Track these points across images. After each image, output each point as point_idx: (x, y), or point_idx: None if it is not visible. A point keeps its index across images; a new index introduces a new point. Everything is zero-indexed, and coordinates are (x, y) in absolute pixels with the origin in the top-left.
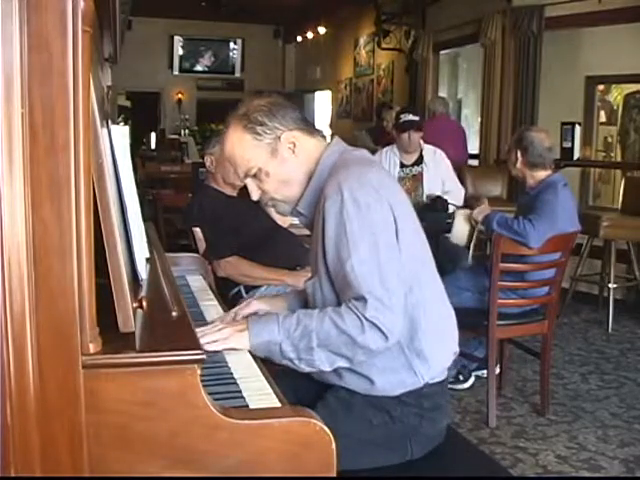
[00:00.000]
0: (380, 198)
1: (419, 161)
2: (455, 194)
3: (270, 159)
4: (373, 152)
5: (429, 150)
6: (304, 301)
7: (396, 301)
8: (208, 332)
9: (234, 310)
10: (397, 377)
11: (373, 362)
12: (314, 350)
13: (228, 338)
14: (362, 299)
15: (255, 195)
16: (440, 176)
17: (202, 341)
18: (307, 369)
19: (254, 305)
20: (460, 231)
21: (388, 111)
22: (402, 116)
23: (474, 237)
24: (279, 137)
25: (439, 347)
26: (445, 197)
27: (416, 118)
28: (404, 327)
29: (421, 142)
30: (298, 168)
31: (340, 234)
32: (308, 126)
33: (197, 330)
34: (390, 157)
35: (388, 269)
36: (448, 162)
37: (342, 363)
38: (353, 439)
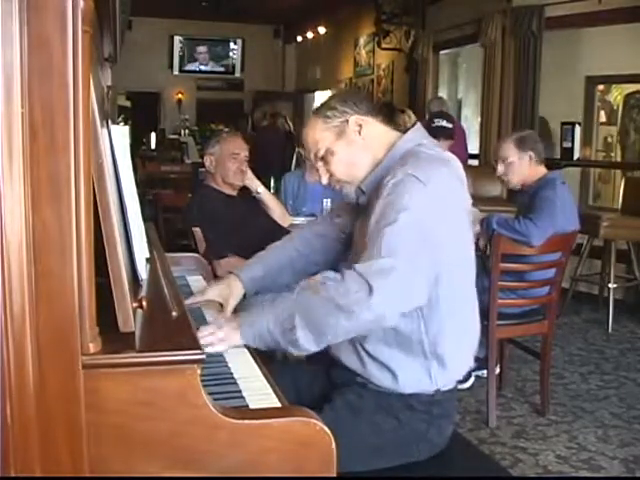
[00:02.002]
0: (443, 196)
1: None
2: None
3: (337, 140)
4: None
5: (453, 160)
6: (259, 275)
7: (410, 281)
8: (203, 336)
9: (191, 299)
10: (413, 375)
11: (394, 353)
12: (297, 328)
13: (223, 340)
14: (370, 259)
15: (324, 179)
16: None
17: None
18: (293, 350)
19: (210, 294)
20: None
21: (400, 115)
22: (435, 121)
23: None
24: (347, 120)
25: (459, 359)
26: None
27: (449, 125)
28: (431, 331)
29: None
30: (364, 151)
31: (389, 202)
32: (381, 115)
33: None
34: None
35: (419, 248)
36: (464, 173)
37: (328, 337)
38: (360, 443)
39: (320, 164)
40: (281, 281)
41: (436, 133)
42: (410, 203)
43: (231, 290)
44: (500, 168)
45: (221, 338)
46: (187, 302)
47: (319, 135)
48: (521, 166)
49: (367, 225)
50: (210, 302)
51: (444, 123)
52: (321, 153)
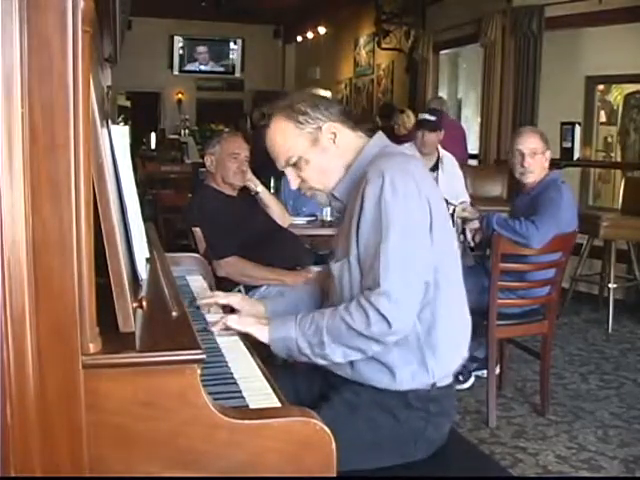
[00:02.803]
0: (419, 190)
1: (435, 167)
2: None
3: (311, 147)
4: None
5: (446, 157)
6: (285, 305)
7: (410, 295)
8: (232, 318)
9: (213, 297)
10: (410, 368)
11: (390, 348)
12: (326, 344)
13: (250, 325)
14: (377, 286)
15: (294, 184)
16: (453, 185)
17: (225, 322)
18: (323, 362)
19: (233, 298)
20: None
21: (400, 115)
22: (419, 115)
23: (465, 244)
24: (320, 127)
25: (452, 347)
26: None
27: (432, 118)
28: (424, 319)
29: (439, 148)
30: (337, 158)
31: (377, 218)
32: (349, 121)
33: (219, 314)
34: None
35: (412, 261)
36: (460, 171)
37: (356, 356)
38: (358, 440)
39: (290, 169)
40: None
41: (419, 126)
42: (394, 217)
43: (252, 306)
44: (529, 161)
45: (248, 324)
46: (204, 302)
47: (292, 141)
48: (544, 162)
49: (345, 225)
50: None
51: (426, 116)
52: (294, 160)
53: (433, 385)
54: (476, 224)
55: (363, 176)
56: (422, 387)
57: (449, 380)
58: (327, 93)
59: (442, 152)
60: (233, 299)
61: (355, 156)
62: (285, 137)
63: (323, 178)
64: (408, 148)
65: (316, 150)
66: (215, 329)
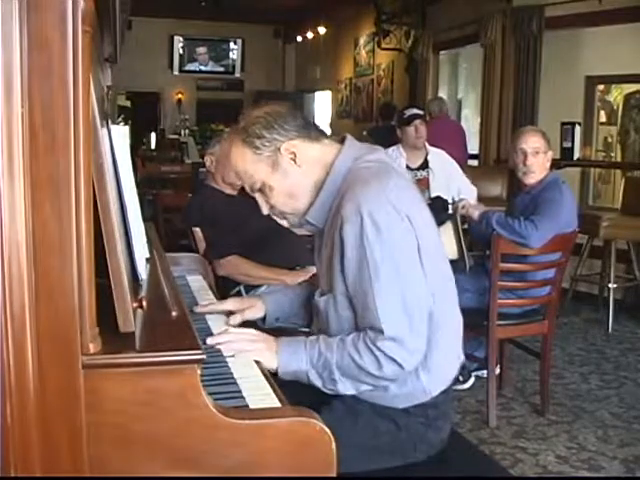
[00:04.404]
0: (399, 215)
1: (424, 165)
2: (467, 196)
3: (272, 173)
4: None
5: (434, 153)
6: (284, 304)
7: (417, 333)
8: (242, 339)
9: (210, 306)
10: (406, 390)
11: None
12: (337, 381)
13: (260, 353)
14: (380, 332)
15: (265, 209)
16: (446, 180)
17: (234, 346)
18: (332, 393)
19: (229, 304)
20: (448, 246)
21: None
22: (406, 111)
23: (463, 244)
24: (279, 148)
25: (449, 361)
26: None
27: (420, 112)
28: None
29: (426, 144)
30: (303, 179)
31: (361, 259)
32: (311, 132)
33: (230, 331)
34: (396, 158)
35: (410, 296)
36: (455, 164)
37: (368, 388)
38: (358, 445)
39: (258, 195)
40: (303, 313)
41: (411, 120)
42: (382, 255)
43: (251, 304)
44: (531, 160)
45: (258, 350)
46: (199, 309)
47: (251, 168)
48: (546, 162)
49: (325, 257)
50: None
51: (415, 110)
52: (257, 186)
53: (431, 396)
54: (476, 214)
55: (338, 197)
56: (419, 401)
57: (447, 385)
58: (282, 109)
59: (430, 148)
60: (228, 305)
61: (325, 171)
62: (245, 164)
63: (291, 202)
64: (397, 150)
65: (278, 175)
66: (224, 349)
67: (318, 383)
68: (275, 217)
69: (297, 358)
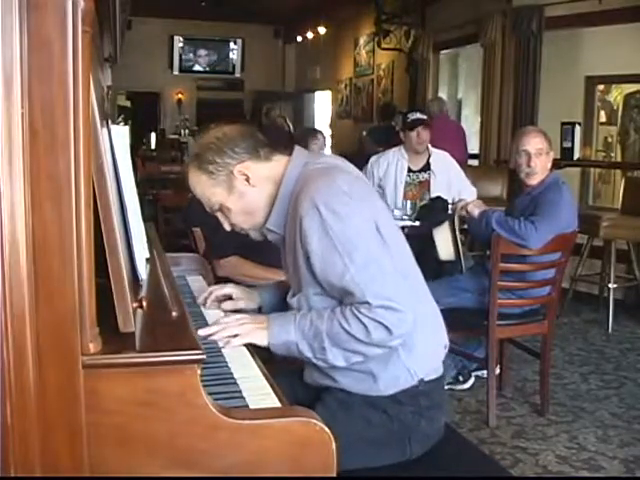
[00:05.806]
0: (354, 201)
1: (426, 167)
2: (468, 198)
3: (228, 195)
4: (376, 153)
5: (437, 155)
6: (279, 296)
7: (401, 297)
8: (230, 325)
9: (209, 290)
10: (392, 374)
11: (370, 360)
12: (327, 350)
13: (249, 333)
14: (366, 303)
15: (227, 226)
16: (447, 182)
17: (224, 334)
18: (324, 365)
19: (229, 288)
20: (444, 248)
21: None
22: (410, 115)
23: (460, 246)
24: (232, 171)
25: (430, 342)
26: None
27: (424, 117)
28: None
29: (429, 146)
30: (259, 197)
31: (328, 248)
32: (260, 152)
33: (220, 321)
34: (398, 160)
35: (387, 267)
36: (457, 166)
37: (358, 359)
38: (352, 438)
39: (219, 214)
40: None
41: (414, 125)
42: (350, 240)
43: (248, 295)
44: (535, 161)
45: (246, 332)
46: (202, 296)
47: (209, 191)
48: (548, 162)
49: (289, 259)
50: (214, 303)
51: (418, 115)
52: (216, 208)
53: (421, 381)
54: (475, 212)
55: (294, 201)
56: (408, 386)
57: (438, 373)
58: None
59: (432, 150)
60: (228, 289)
61: (277, 185)
62: (202, 189)
63: (250, 219)
64: (399, 152)
65: (234, 197)
66: (216, 338)
67: (309, 354)
68: (238, 230)
69: (287, 329)
